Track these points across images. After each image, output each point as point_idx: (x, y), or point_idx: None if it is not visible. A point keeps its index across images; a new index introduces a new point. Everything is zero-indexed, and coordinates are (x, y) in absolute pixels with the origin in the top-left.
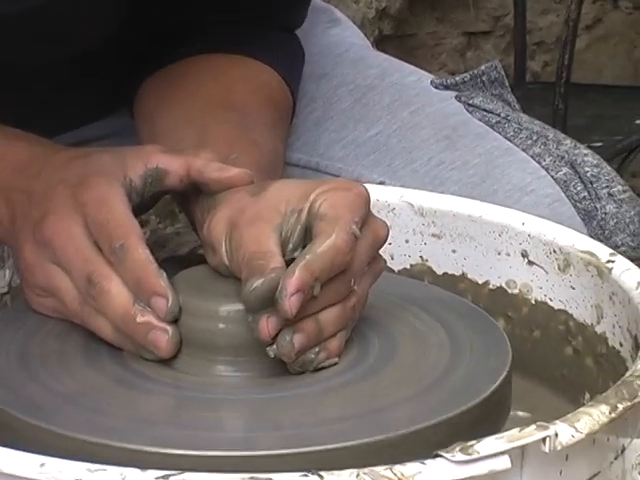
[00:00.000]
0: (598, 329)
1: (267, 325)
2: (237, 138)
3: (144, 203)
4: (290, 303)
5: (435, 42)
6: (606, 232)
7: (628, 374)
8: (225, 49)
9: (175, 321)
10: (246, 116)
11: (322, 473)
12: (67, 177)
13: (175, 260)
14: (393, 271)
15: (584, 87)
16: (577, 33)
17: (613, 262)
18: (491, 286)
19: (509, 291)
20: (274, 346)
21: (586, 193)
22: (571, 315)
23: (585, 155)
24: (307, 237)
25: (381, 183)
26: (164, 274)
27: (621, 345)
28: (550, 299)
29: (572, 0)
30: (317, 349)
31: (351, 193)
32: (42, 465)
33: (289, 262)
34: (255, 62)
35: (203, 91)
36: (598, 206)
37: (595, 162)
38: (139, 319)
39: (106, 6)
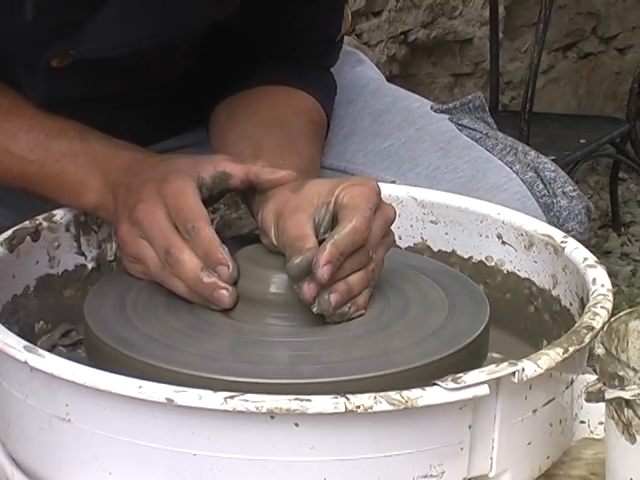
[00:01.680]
0: (554, 293)
1: (308, 289)
2: (284, 149)
3: (213, 197)
4: (323, 271)
5: (430, 81)
6: (560, 220)
7: (576, 325)
8: (277, 82)
9: (235, 283)
10: (291, 132)
11: (348, 396)
12: (154, 175)
13: (238, 238)
14: (401, 248)
15: (541, 115)
16: (537, 76)
17: (565, 242)
18: (474, 260)
19: (487, 264)
20: (316, 304)
21: (546, 191)
22: (534, 282)
23: (545, 163)
24: (334, 222)
25: (393, 182)
26: (226, 248)
27: (571, 304)
28: (518, 270)
29: (534, 51)
30: (349, 304)
31: (365, 187)
32: (140, 387)
33: (322, 242)
34: (299, 92)
35: (260, 114)
36: (554, 201)
37: (552, 168)
38: (206, 280)
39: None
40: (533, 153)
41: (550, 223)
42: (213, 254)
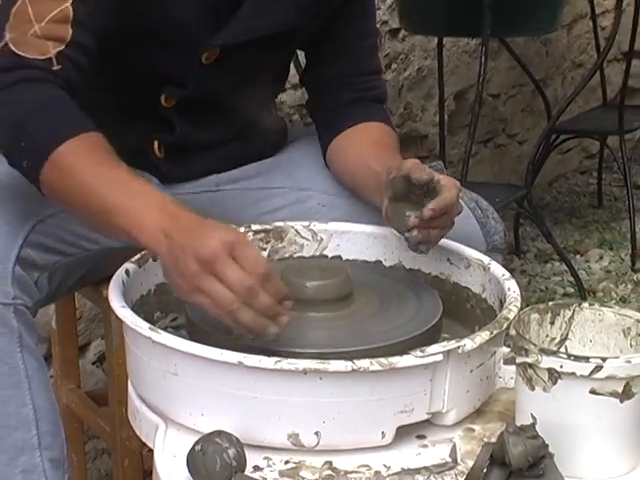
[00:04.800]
0: (483, 296)
1: (413, 221)
2: (393, 154)
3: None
4: (426, 213)
5: None
6: (490, 233)
7: (498, 317)
8: (365, 120)
9: None
10: (390, 147)
11: (354, 360)
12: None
13: (283, 259)
14: (385, 267)
15: (472, 183)
16: (469, 159)
17: (490, 264)
18: (432, 275)
19: (441, 277)
20: (409, 234)
21: (482, 215)
22: (470, 289)
23: (481, 199)
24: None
25: None
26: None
27: (494, 304)
28: (460, 281)
29: (467, 143)
30: (423, 245)
31: (453, 182)
32: (221, 354)
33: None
34: (382, 124)
35: (368, 139)
36: (487, 221)
37: (486, 203)
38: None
39: None
40: (474, 194)
41: (484, 235)
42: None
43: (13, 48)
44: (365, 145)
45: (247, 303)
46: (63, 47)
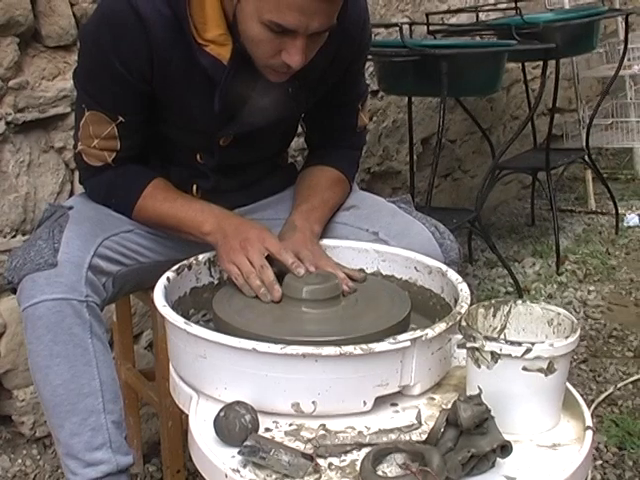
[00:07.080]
0: (442, 295)
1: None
2: (322, 204)
3: None
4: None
5: (381, 191)
6: (447, 251)
7: (453, 312)
8: (323, 164)
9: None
10: (321, 188)
11: (342, 347)
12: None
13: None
14: (367, 274)
15: (435, 208)
16: (432, 189)
17: (447, 271)
18: (403, 279)
19: (410, 281)
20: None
21: (440, 236)
22: (432, 290)
23: (439, 224)
24: None
25: (367, 230)
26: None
27: (450, 301)
28: (424, 284)
29: (431, 177)
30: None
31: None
32: (239, 342)
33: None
34: (333, 169)
35: (312, 182)
36: (444, 242)
37: (443, 227)
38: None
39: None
40: (434, 220)
41: (442, 252)
42: (270, 282)
43: (85, 158)
44: (314, 181)
45: (258, 275)
46: (115, 154)
